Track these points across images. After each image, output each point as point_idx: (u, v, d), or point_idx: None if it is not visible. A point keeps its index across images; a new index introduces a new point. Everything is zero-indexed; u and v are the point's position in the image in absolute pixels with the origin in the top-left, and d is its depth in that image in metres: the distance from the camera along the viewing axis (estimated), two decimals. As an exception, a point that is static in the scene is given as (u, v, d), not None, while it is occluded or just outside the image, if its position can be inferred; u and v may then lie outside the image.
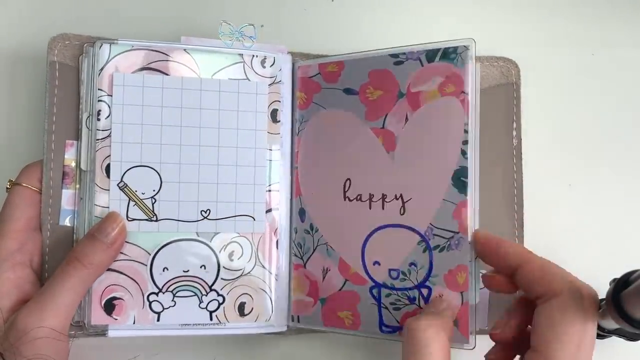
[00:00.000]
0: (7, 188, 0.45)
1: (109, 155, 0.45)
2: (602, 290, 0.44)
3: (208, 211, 0.46)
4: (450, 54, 0.45)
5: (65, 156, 0.46)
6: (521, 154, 0.50)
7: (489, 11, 0.55)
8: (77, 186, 0.46)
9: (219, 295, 0.46)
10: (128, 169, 0.45)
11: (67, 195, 0.46)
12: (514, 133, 0.50)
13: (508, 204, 0.49)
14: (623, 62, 0.54)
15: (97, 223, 0.44)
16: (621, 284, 0.41)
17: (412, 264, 0.45)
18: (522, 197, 0.50)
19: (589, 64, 0.54)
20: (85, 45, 0.46)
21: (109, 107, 0.45)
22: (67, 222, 0.46)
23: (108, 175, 0.45)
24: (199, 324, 0.46)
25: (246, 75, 0.47)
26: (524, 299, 0.43)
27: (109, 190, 0.45)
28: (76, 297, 0.42)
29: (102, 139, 0.45)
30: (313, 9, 0.55)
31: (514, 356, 0.43)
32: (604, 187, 0.53)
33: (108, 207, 0.45)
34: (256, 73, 0.47)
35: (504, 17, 0.55)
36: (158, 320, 0.45)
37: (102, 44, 0.46)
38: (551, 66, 0.54)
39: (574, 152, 0.53)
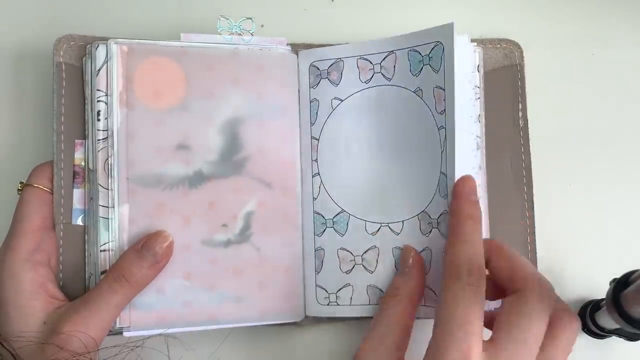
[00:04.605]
0: (18, 190, 0.45)
1: (110, 156, 0.45)
2: (602, 290, 0.45)
3: None
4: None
5: (75, 155, 0.46)
6: (528, 135, 0.50)
7: (489, 11, 0.55)
8: (87, 186, 0.46)
9: None
10: None
11: (79, 195, 0.46)
12: (520, 114, 0.51)
13: (518, 186, 0.50)
14: (623, 62, 0.54)
15: (143, 238, 0.44)
16: (621, 284, 0.42)
17: None
18: (531, 179, 0.50)
19: (589, 63, 0.54)
20: (87, 46, 0.47)
21: (108, 107, 0.45)
22: (79, 221, 0.46)
23: (109, 175, 0.45)
24: None
25: None
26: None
27: (108, 189, 0.45)
28: (118, 312, 0.43)
29: (102, 139, 0.45)
30: (313, 9, 0.55)
31: None
32: (604, 187, 0.53)
33: (110, 207, 0.45)
34: None
35: (503, 17, 0.55)
36: None
37: (98, 45, 0.46)
38: (551, 66, 0.54)
39: (574, 152, 0.53)
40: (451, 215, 0.42)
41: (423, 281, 0.44)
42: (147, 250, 0.43)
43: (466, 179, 0.43)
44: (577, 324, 0.40)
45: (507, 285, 0.41)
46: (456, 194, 0.42)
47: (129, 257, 0.43)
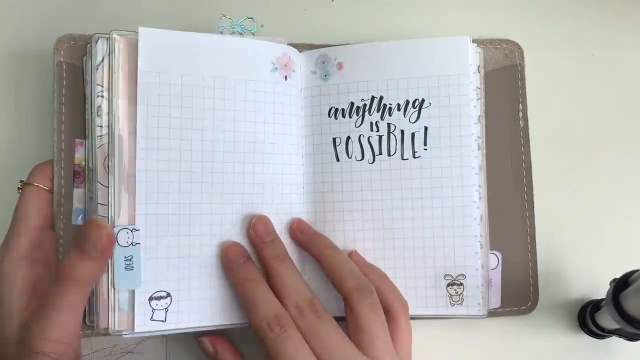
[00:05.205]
0: (18, 188, 0.45)
1: (110, 153, 0.45)
2: (602, 290, 0.45)
3: None
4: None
5: (76, 155, 0.46)
6: (528, 135, 0.51)
7: (489, 12, 0.55)
8: (87, 185, 0.46)
9: None
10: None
11: (79, 195, 0.46)
12: (520, 114, 0.51)
13: (518, 186, 0.50)
14: (623, 62, 0.54)
15: (80, 232, 0.42)
16: (621, 284, 0.42)
17: None
18: (531, 179, 0.50)
19: (589, 64, 0.54)
20: (88, 45, 0.47)
21: (108, 102, 0.45)
22: (79, 221, 0.46)
23: (109, 173, 0.45)
24: None
25: None
26: None
27: (108, 187, 0.45)
28: (76, 312, 0.41)
29: (101, 135, 0.45)
30: (313, 9, 0.55)
31: None
32: (604, 187, 0.53)
33: (110, 206, 0.44)
34: None
35: (504, 18, 0.55)
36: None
37: (98, 38, 0.45)
38: (551, 66, 0.54)
39: (574, 152, 0.53)
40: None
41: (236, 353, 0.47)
42: (87, 244, 0.41)
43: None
44: (405, 303, 0.45)
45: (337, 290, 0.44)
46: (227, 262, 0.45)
47: (71, 256, 0.41)
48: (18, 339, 0.40)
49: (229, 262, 0.45)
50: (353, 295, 0.43)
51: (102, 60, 0.45)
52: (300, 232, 0.47)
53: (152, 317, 0.44)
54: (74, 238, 0.43)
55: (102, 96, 0.45)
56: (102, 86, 0.45)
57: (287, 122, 0.48)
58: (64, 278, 0.41)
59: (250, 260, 0.45)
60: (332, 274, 0.44)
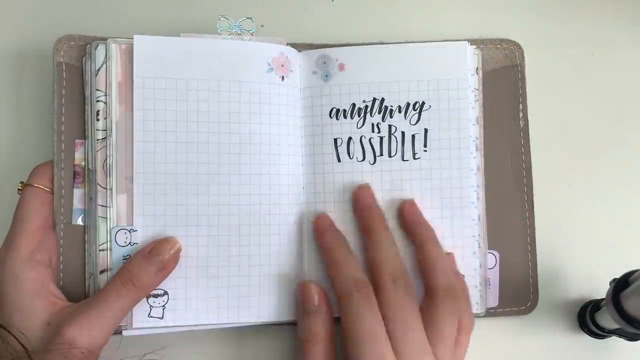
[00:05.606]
0: (19, 189, 0.45)
1: (109, 156, 0.45)
2: (602, 290, 0.45)
3: None
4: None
5: (76, 155, 0.46)
6: (528, 135, 0.51)
7: (490, 12, 0.55)
8: (87, 186, 0.46)
9: None
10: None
11: (79, 195, 0.46)
12: (521, 115, 0.51)
13: (518, 186, 0.50)
14: (623, 62, 0.54)
15: (151, 243, 0.44)
16: (621, 284, 0.42)
17: None
18: (531, 179, 0.50)
19: (589, 64, 0.54)
20: (87, 46, 0.47)
21: (107, 106, 0.45)
22: (79, 221, 0.46)
23: (108, 175, 0.45)
24: None
25: None
26: None
27: (107, 189, 0.45)
28: (123, 316, 0.43)
29: (101, 139, 0.45)
30: (313, 9, 0.55)
31: None
32: (604, 186, 0.52)
33: (109, 207, 0.45)
34: None
35: (504, 17, 0.55)
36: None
37: (97, 45, 0.46)
38: (551, 66, 0.54)
39: (574, 151, 0.53)
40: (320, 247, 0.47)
41: (332, 314, 0.44)
42: (155, 256, 0.44)
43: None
44: (472, 322, 0.45)
45: (425, 281, 0.45)
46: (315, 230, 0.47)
47: (137, 261, 0.44)
48: (45, 337, 0.41)
49: (322, 227, 0.47)
50: (439, 291, 0.43)
51: (102, 65, 0.46)
52: (411, 214, 0.47)
53: (149, 314, 0.45)
54: (140, 250, 0.45)
55: (103, 101, 0.46)
56: (102, 91, 0.46)
57: (284, 122, 0.48)
58: (127, 282, 0.42)
59: (339, 231, 0.47)
60: (425, 265, 0.45)
